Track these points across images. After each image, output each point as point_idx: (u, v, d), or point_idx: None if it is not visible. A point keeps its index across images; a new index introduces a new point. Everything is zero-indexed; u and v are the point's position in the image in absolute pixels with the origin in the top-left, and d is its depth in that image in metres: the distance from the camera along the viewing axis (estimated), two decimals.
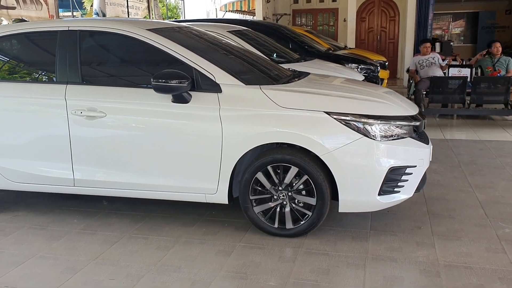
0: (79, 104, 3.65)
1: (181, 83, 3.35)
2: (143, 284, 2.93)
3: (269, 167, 3.42)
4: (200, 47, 3.95)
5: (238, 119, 3.40)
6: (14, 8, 7.05)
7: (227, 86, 3.47)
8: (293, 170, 3.38)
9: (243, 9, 17.55)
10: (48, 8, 7.75)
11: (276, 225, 3.50)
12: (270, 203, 3.50)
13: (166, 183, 3.62)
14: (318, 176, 3.32)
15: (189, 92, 3.45)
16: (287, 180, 3.41)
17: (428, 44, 8.89)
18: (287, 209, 3.46)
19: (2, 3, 6.79)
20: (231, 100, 3.43)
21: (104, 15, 9.99)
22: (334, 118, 3.28)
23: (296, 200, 3.45)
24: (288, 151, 3.40)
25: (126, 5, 11.11)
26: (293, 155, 3.36)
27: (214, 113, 3.42)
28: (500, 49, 8.52)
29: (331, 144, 3.27)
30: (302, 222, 3.46)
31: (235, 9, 17.90)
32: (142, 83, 3.68)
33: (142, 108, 3.58)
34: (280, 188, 3.44)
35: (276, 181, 3.44)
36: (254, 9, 17.37)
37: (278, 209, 3.48)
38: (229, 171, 3.48)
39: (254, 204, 3.52)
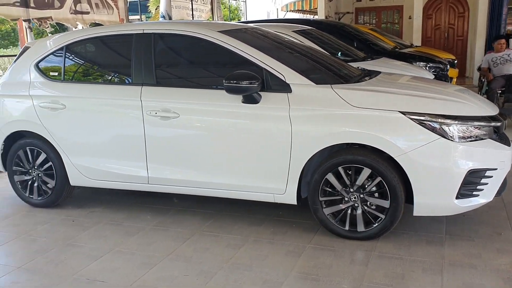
0: (154, 105, 3.77)
1: (251, 84, 3.38)
2: (216, 281, 2.98)
3: (340, 168, 3.37)
4: (269, 47, 3.95)
5: (309, 119, 3.37)
6: (88, 12, 7.41)
7: (297, 86, 3.45)
8: (366, 172, 3.30)
9: (304, 9, 17.46)
10: (118, 12, 8.07)
11: (346, 228, 3.44)
12: (340, 205, 3.44)
13: (235, 182, 3.66)
14: (392, 178, 3.23)
15: (259, 92, 3.47)
16: (359, 181, 3.34)
17: (503, 41, 8.43)
18: (359, 211, 3.39)
19: (77, 8, 7.14)
20: (301, 100, 3.41)
21: (170, 18, 10.26)
22: (410, 118, 3.18)
23: (368, 203, 3.38)
24: (360, 152, 3.33)
25: (191, 8, 11.38)
26: (366, 156, 3.29)
27: (283, 113, 3.42)
28: None
29: (407, 145, 3.17)
30: (374, 225, 3.37)
31: (296, 9, 17.85)
32: (213, 84, 3.75)
33: (213, 109, 3.64)
34: (351, 189, 3.38)
35: (347, 182, 3.38)
36: (316, 8, 17.24)
37: (349, 211, 3.42)
38: (298, 172, 3.46)
39: (324, 206, 3.48)
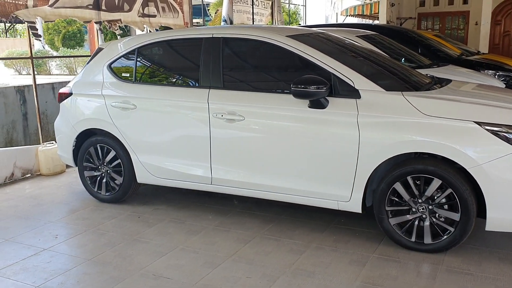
0: (221, 107, 3.83)
1: (319, 89, 3.36)
2: (279, 285, 2.97)
3: (408, 178, 3.28)
4: (337, 52, 3.91)
5: (378, 126, 3.31)
6: (155, 16, 7.64)
7: (367, 92, 3.40)
8: (436, 183, 3.20)
9: (364, 13, 17.24)
10: (183, 16, 8.27)
11: (413, 239, 3.34)
12: (407, 215, 3.35)
13: (299, 187, 3.64)
14: (464, 191, 3.11)
15: (326, 97, 3.45)
16: (428, 192, 3.24)
17: None
18: (427, 223, 3.29)
19: (145, 12, 7.39)
20: (370, 106, 3.36)
21: (231, 22, 10.41)
22: (486, 129, 3.05)
23: (436, 214, 3.27)
24: (431, 162, 3.23)
25: (252, 12, 11.48)
26: (437, 166, 3.18)
27: (351, 119, 3.37)
28: None
29: (481, 156, 3.04)
30: (442, 238, 3.26)
31: (356, 14, 17.65)
32: (280, 88, 3.77)
33: (279, 113, 3.64)
34: (419, 200, 3.28)
35: (416, 192, 3.29)
36: (376, 13, 16.98)
37: (416, 222, 3.32)
38: (364, 180, 3.40)
39: (390, 216, 3.40)
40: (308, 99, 3.45)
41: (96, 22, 6.49)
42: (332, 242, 3.58)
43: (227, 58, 3.97)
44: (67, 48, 26.19)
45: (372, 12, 17.09)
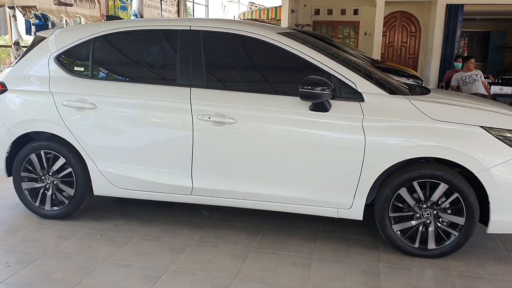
0: (206, 109, 3.44)
1: (324, 91, 3.17)
2: None
3: (414, 183, 3.24)
4: (332, 53, 3.72)
5: (384, 131, 3.22)
6: (71, 5, 6.82)
7: (370, 95, 3.29)
8: (442, 187, 3.20)
9: (261, 18, 17.45)
10: (100, 7, 7.50)
11: (416, 245, 3.31)
12: (412, 221, 3.31)
13: (296, 195, 3.41)
14: (470, 195, 3.16)
15: (329, 100, 3.27)
16: (435, 197, 3.23)
17: (473, 60, 8.85)
18: (431, 228, 3.28)
19: (61, 0, 6.54)
20: (376, 110, 3.25)
21: (142, 17, 9.75)
22: (492, 134, 3.13)
23: (440, 219, 3.28)
24: (438, 167, 3.22)
25: (160, 7, 10.94)
26: (444, 171, 3.19)
27: (356, 123, 3.24)
28: None
29: (488, 161, 3.11)
30: (446, 243, 3.27)
31: (253, 18, 17.79)
32: (275, 89, 3.50)
33: (277, 116, 3.37)
34: (424, 205, 3.26)
35: (422, 198, 3.26)
36: (273, 19, 17.32)
37: (420, 228, 3.30)
38: (368, 186, 3.29)
39: (393, 222, 3.33)
40: (313, 101, 3.23)
41: (9, 7, 5.53)
42: (332, 252, 3.41)
43: (210, 54, 3.57)
44: None
45: (269, 17, 17.39)
